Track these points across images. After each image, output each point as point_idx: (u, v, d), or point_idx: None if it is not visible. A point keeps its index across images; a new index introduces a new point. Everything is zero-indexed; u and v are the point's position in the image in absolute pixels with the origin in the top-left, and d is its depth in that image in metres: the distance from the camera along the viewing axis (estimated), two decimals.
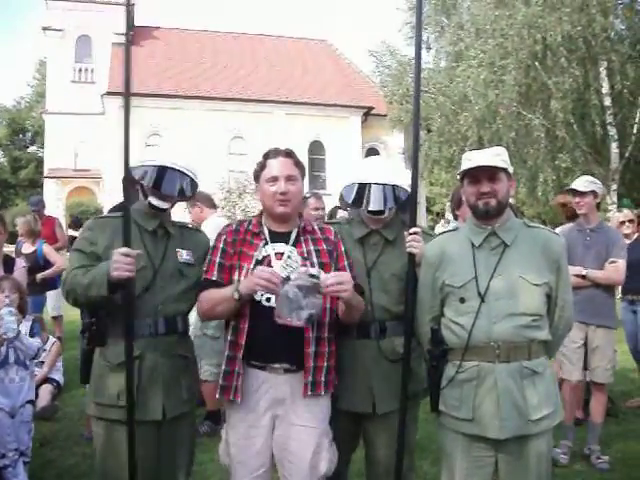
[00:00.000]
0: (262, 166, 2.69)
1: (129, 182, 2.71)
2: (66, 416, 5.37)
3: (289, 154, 2.70)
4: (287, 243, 2.63)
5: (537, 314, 2.49)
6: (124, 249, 2.48)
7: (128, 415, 2.52)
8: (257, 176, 2.72)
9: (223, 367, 2.60)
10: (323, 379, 2.60)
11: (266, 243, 2.63)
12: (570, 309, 2.65)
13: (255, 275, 2.40)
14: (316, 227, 2.76)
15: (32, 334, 4.22)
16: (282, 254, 2.61)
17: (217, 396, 2.65)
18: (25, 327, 4.14)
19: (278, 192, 2.60)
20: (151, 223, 2.76)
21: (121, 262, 2.44)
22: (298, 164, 2.71)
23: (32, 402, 4.10)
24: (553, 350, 2.65)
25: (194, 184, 2.86)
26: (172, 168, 2.74)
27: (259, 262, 2.57)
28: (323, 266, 2.59)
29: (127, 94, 2.68)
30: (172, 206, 2.84)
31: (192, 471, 2.93)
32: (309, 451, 2.56)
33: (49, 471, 4.35)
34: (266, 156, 2.71)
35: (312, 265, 2.57)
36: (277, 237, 2.65)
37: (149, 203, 2.74)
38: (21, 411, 3.92)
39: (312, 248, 2.65)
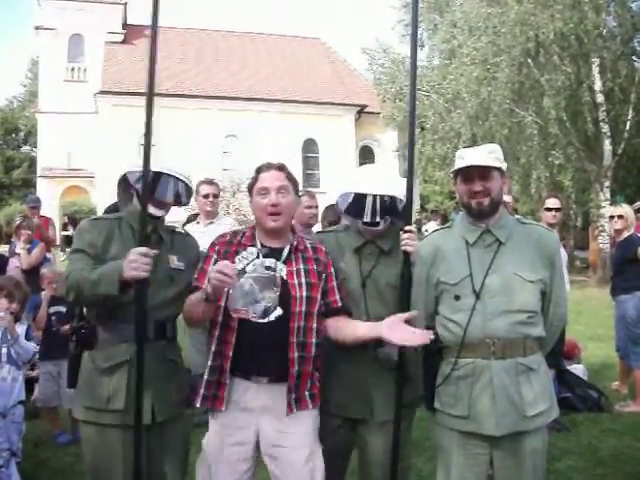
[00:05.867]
0: (255, 180, 2.68)
1: (125, 185, 2.71)
2: (60, 416, 5.34)
3: (281, 168, 2.69)
4: (279, 260, 2.60)
5: (532, 311, 2.49)
6: (143, 249, 2.43)
7: (135, 419, 2.49)
8: (250, 190, 2.71)
9: (205, 377, 2.58)
10: (307, 394, 2.58)
11: (257, 257, 2.61)
12: (564, 304, 2.65)
13: (212, 269, 2.38)
14: (308, 245, 2.73)
15: (28, 338, 4.22)
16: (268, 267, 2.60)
17: (197, 404, 2.61)
18: (21, 329, 4.15)
19: (269, 204, 2.59)
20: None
21: (140, 262, 2.40)
22: (290, 178, 2.69)
23: (23, 402, 4.09)
24: (547, 346, 2.65)
25: (189, 189, 2.86)
26: (167, 174, 2.72)
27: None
28: (311, 286, 2.59)
29: (150, 94, 2.53)
30: (167, 212, 2.83)
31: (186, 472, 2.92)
32: (302, 458, 2.52)
33: (43, 472, 4.34)
34: (259, 170, 2.70)
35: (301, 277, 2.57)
36: (269, 252, 2.63)
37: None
38: (12, 411, 3.90)
39: (302, 267, 2.63)
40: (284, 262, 2.61)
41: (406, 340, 2.44)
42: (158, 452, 2.70)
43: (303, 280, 2.59)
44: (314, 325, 2.59)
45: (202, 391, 2.58)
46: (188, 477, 2.86)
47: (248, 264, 2.41)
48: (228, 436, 2.55)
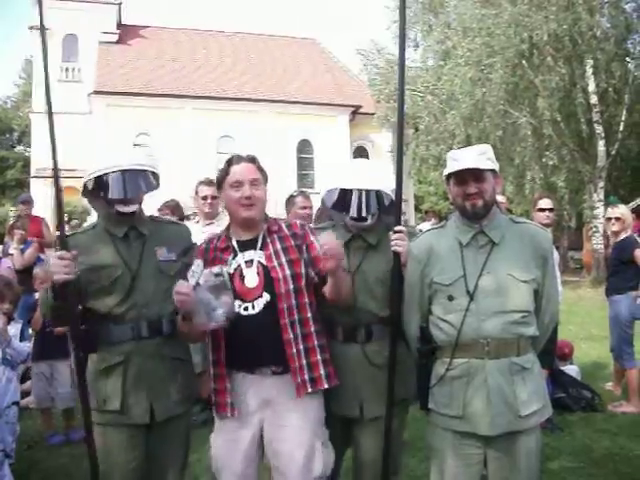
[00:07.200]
0: (225, 172, 2.68)
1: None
2: (54, 417, 5.33)
3: (252, 159, 2.70)
4: (255, 249, 2.63)
5: (525, 310, 2.50)
6: (59, 252, 2.48)
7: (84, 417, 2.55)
8: (220, 183, 2.70)
9: (211, 371, 2.61)
10: (322, 372, 2.58)
11: (236, 254, 2.63)
12: (556, 303, 2.66)
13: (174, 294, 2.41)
14: (282, 224, 2.75)
15: (22, 337, 4.20)
16: (252, 261, 2.61)
17: (214, 414, 2.64)
18: (15, 329, 4.13)
19: (243, 196, 2.60)
20: (121, 229, 2.73)
21: (57, 265, 2.44)
22: (261, 169, 2.71)
23: (17, 403, 4.07)
24: (540, 344, 2.65)
25: (155, 174, 2.79)
26: (130, 170, 2.67)
27: (232, 275, 2.56)
28: (292, 263, 2.61)
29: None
30: (140, 204, 2.79)
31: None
32: (301, 453, 2.53)
33: (36, 473, 4.32)
34: (229, 162, 2.70)
35: (281, 266, 2.59)
36: (246, 245, 2.65)
37: (116, 212, 2.70)
38: (6, 412, 3.88)
39: (279, 247, 2.65)
40: (261, 249, 2.63)
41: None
42: (159, 451, 2.70)
43: (283, 259, 2.61)
44: (306, 300, 2.61)
45: (214, 398, 2.61)
46: (187, 476, 2.88)
47: (200, 277, 2.44)
48: (235, 429, 2.58)
